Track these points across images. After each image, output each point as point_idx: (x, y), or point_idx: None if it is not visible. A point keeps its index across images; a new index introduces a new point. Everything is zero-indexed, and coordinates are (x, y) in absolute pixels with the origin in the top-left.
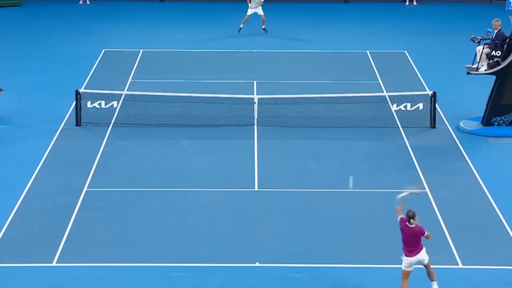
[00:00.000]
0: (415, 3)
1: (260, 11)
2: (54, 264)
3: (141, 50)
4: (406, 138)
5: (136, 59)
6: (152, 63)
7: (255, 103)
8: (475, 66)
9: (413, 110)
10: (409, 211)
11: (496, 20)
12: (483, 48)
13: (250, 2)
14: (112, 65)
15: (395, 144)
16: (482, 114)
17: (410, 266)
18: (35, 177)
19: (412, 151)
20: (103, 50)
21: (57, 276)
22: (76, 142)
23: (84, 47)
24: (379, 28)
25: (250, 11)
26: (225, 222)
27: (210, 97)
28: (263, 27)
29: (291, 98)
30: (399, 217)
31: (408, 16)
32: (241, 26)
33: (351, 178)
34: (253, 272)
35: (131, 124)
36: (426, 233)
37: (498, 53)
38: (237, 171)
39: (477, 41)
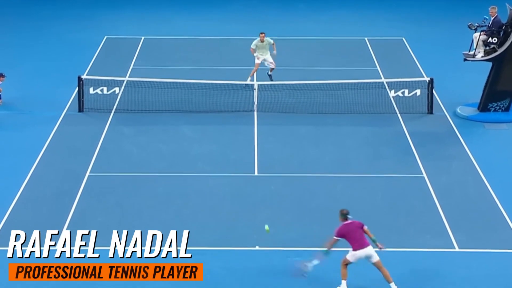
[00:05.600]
0: None
1: (269, 58)
2: None
3: (143, 37)
4: (404, 124)
5: (138, 46)
6: (154, 50)
7: (255, 89)
8: (471, 52)
9: (411, 96)
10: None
11: (493, 7)
12: (480, 35)
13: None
14: (114, 52)
15: (393, 130)
16: (478, 100)
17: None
18: (38, 163)
19: (410, 136)
20: (105, 37)
21: None
22: (79, 128)
23: (86, 34)
24: (378, 15)
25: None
26: (225, 207)
27: (211, 83)
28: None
29: (291, 84)
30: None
31: (406, 3)
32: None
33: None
34: (253, 255)
35: (132, 110)
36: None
37: (495, 40)
38: (237, 157)
39: (474, 28)
